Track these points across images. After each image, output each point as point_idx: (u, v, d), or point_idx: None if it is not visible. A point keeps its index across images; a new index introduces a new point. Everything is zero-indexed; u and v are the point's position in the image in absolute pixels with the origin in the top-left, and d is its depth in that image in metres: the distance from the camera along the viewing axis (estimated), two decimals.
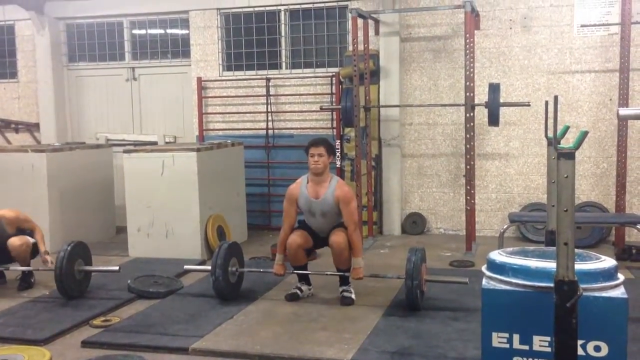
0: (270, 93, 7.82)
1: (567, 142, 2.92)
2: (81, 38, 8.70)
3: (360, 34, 6.84)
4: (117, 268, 5.18)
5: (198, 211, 6.29)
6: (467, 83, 6.31)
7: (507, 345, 2.74)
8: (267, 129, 7.84)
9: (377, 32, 7.33)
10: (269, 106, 7.81)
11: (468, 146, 6.38)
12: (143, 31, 8.50)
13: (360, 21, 6.85)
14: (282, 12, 7.86)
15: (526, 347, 2.71)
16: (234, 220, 6.95)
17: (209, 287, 5.26)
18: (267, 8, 7.85)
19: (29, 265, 5.31)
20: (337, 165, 7.34)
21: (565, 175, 2.46)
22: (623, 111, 4.54)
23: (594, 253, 2.92)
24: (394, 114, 7.34)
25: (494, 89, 6.26)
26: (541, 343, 2.69)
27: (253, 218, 7.72)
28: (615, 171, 6.59)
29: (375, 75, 7.27)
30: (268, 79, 7.80)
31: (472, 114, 6.32)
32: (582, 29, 6.82)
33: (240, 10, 7.96)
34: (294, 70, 7.88)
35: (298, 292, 4.91)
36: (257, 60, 7.99)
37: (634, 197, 6.82)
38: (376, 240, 7.08)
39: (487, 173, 7.25)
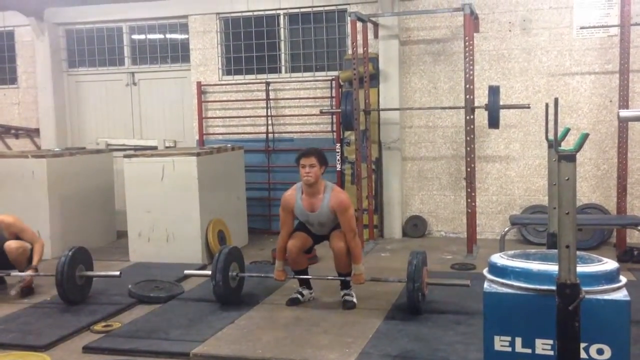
0: (270, 97, 7.83)
1: (567, 145, 2.92)
2: (81, 43, 8.70)
3: (359, 37, 6.85)
4: (118, 273, 5.18)
5: (198, 215, 6.28)
6: (467, 86, 6.30)
7: (510, 349, 2.73)
8: (267, 132, 7.84)
9: (376, 36, 7.33)
10: (268, 110, 7.81)
11: (468, 149, 6.38)
12: (142, 36, 8.51)
13: (359, 24, 6.85)
14: (282, 16, 7.87)
15: (529, 351, 2.70)
16: (234, 225, 6.94)
17: (209, 292, 5.25)
18: (267, 12, 7.86)
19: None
20: (338, 169, 7.33)
21: (566, 178, 2.46)
22: (623, 113, 4.54)
23: (595, 255, 2.91)
24: (394, 117, 7.34)
25: (494, 91, 6.26)
26: (544, 346, 2.68)
27: (253, 222, 7.71)
28: (616, 173, 6.58)
29: (375, 78, 7.27)
30: (268, 83, 7.80)
31: (472, 117, 6.32)
32: (582, 31, 6.83)
33: (239, 14, 7.96)
34: (293, 74, 7.88)
35: (299, 296, 4.90)
36: (257, 64, 8.00)
37: (635, 198, 6.81)
38: (377, 244, 7.07)
39: (487, 175, 7.25)
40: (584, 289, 2.48)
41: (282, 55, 7.93)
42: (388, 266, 6.07)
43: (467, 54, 6.29)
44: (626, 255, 6.00)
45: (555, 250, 2.56)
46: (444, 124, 7.36)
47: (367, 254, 6.58)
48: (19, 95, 8.90)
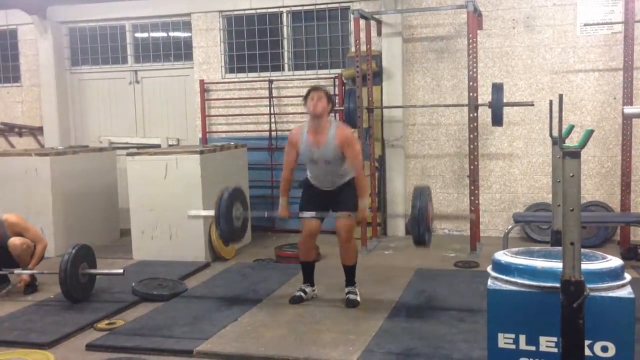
0: (273, 95, 7.82)
1: (571, 142, 2.91)
2: (84, 42, 8.71)
3: (362, 35, 6.83)
4: (121, 271, 5.18)
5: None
6: (471, 83, 6.29)
7: (514, 346, 2.72)
8: (270, 130, 7.83)
9: (379, 33, 7.32)
10: (271, 108, 7.81)
11: (472, 146, 6.36)
12: (145, 34, 8.51)
13: (362, 22, 6.84)
14: (284, 14, 7.86)
15: (533, 348, 2.69)
16: None
17: (213, 289, 5.27)
18: (269, 10, 7.85)
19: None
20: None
21: (571, 175, 2.45)
22: (628, 110, 4.53)
23: (600, 253, 2.90)
24: (397, 115, 7.33)
25: (498, 88, 6.24)
26: (548, 344, 2.67)
27: (257, 220, 7.70)
28: (620, 170, 6.56)
29: (378, 76, 7.26)
30: (271, 81, 7.80)
31: (475, 114, 6.30)
32: (586, 28, 6.80)
33: (242, 12, 7.96)
34: (296, 72, 7.88)
35: (302, 294, 4.90)
36: (260, 62, 7.99)
37: (638, 196, 6.80)
38: (380, 242, 7.06)
39: (491, 173, 7.23)
40: (589, 286, 2.47)
41: (285, 53, 7.93)
42: (391, 264, 6.07)
43: (470, 52, 6.27)
44: (630, 253, 5.99)
45: (559, 248, 2.55)
46: (447, 122, 7.34)
47: (370, 252, 6.58)
48: (22, 93, 8.91)
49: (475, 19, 6.43)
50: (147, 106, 8.51)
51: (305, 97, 4.77)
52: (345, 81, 7.47)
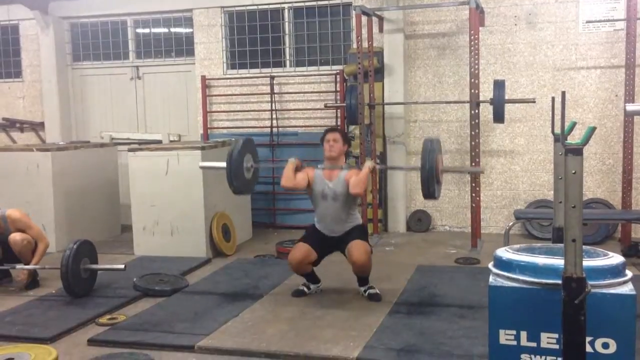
0: (275, 91, 7.82)
1: (572, 139, 2.91)
2: (85, 37, 8.71)
3: (364, 31, 6.83)
4: (122, 266, 5.18)
5: (203, 209, 6.28)
6: (472, 80, 6.29)
7: (515, 343, 2.72)
8: (271, 127, 7.83)
9: (381, 30, 7.31)
10: (273, 104, 7.80)
11: (473, 143, 6.36)
12: (147, 30, 8.50)
13: (364, 18, 6.83)
14: (286, 10, 7.86)
15: (534, 344, 2.70)
16: (238, 219, 6.95)
17: (214, 285, 5.28)
18: (271, 6, 7.84)
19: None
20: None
21: (573, 171, 2.45)
22: (630, 107, 4.54)
23: (601, 250, 2.90)
24: (399, 111, 7.32)
25: (499, 85, 6.24)
26: (549, 340, 2.67)
27: (258, 216, 7.72)
28: (621, 167, 6.56)
29: (379, 72, 7.25)
30: (272, 77, 7.80)
31: (477, 111, 6.30)
32: (588, 25, 6.80)
33: (244, 8, 7.95)
34: (298, 68, 7.88)
35: (305, 289, 4.91)
36: (261, 59, 7.99)
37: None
38: (381, 238, 7.07)
39: (492, 170, 7.23)
40: (590, 283, 2.47)
41: (287, 49, 7.92)
42: (392, 260, 6.07)
43: (472, 48, 6.27)
44: (631, 250, 5.99)
45: (561, 245, 2.56)
46: (448, 119, 7.34)
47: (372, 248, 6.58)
48: (24, 89, 8.91)
49: (477, 15, 6.43)
50: (148, 102, 8.51)
51: (322, 138, 4.84)
52: (346, 77, 7.47)
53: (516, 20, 7.04)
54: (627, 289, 2.64)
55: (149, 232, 6.45)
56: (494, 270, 2.86)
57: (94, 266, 5.15)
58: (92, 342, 4.08)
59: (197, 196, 6.27)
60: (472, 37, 6.26)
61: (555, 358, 2.66)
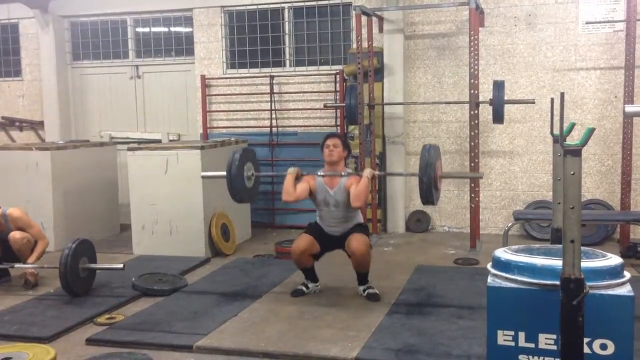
0: (274, 91, 7.82)
1: (571, 140, 2.91)
2: (85, 36, 8.71)
3: (364, 31, 6.83)
4: (121, 266, 5.18)
5: (202, 209, 6.28)
6: (472, 80, 6.29)
7: (513, 343, 2.73)
8: (271, 126, 7.83)
9: (381, 30, 7.31)
10: (272, 104, 7.80)
11: (472, 144, 6.36)
12: (147, 29, 8.50)
13: (364, 18, 6.83)
14: (286, 10, 7.86)
15: (532, 345, 2.70)
16: (238, 218, 6.95)
17: (213, 284, 5.28)
18: (271, 5, 7.84)
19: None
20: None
21: (572, 172, 2.45)
22: (629, 108, 4.53)
23: (600, 251, 2.91)
24: (398, 112, 7.32)
25: (499, 86, 6.24)
26: (547, 341, 2.68)
27: (257, 216, 7.72)
28: (620, 169, 6.56)
29: (379, 72, 7.25)
30: (272, 77, 7.79)
31: (476, 112, 6.30)
32: (587, 26, 6.80)
33: (244, 7, 7.95)
34: (297, 68, 7.88)
35: (304, 288, 4.91)
36: (261, 58, 7.99)
37: (639, 194, 6.80)
38: (380, 238, 7.07)
39: (491, 171, 7.24)
40: (588, 284, 2.48)
41: (287, 49, 7.92)
42: (391, 260, 6.07)
43: (472, 49, 6.27)
44: (630, 251, 5.99)
45: (559, 246, 2.56)
46: (448, 119, 7.34)
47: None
48: (24, 87, 8.91)
49: (477, 16, 6.43)
50: (148, 101, 8.51)
51: (322, 144, 4.86)
52: (346, 77, 7.47)
53: (516, 21, 7.04)
54: (626, 290, 2.64)
55: (148, 232, 6.44)
56: (493, 270, 2.86)
57: (93, 265, 5.14)
58: (90, 341, 4.08)
59: (196, 196, 6.27)
60: (472, 38, 6.27)
61: (553, 359, 2.66)
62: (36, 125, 8.82)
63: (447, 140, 7.36)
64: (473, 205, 6.46)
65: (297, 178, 4.84)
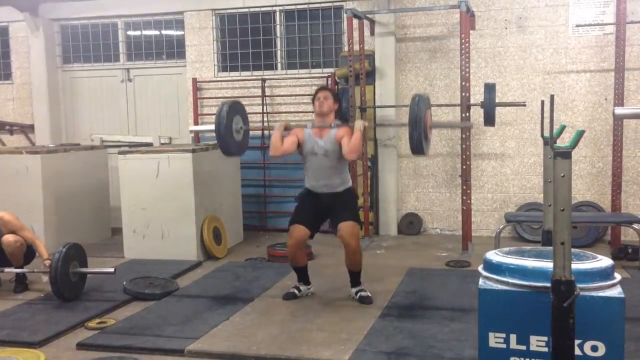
0: (266, 94, 7.81)
1: (562, 142, 2.92)
2: (76, 39, 8.67)
3: (355, 34, 6.84)
4: (112, 270, 5.16)
5: (194, 212, 6.26)
6: (463, 83, 6.31)
7: (504, 346, 2.73)
8: (262, 129, 7.81)
9: (372, 33, 7.32)
10: (264, 107, 7.79)
11: (464, 146, 6.38)
12: (138, 32, 8.48)
13: (355, 21, 6.84)
14: (277, 13, 7.85)
15: (523, 347, 2.70)
16: (229, 222, 6.93)
17: (205, 288, 5.26)
18: (262, 9, 7.84)
19: (22, 265, 5.29)
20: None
21: (562, 175, 2.46)
22: (619, 110, 4.56)
23: (590, 252, 2.92)
24: (390, 114, 7.33)
25: (490, 89, 6.26)
26: (538, 343, 2.68)
27: (249, 219, 7.70)
28: (610, 170, 6.60)
29: (370, 75, 7.26)
30: (263, 80, 7.79)
31: (468, 114, 6.32)
32: (577, 29, 6.83)
33: (235, 11, 7.94)
34: (289, 71, 7.87)
35: (296, 291, 4.90)
36: (253, 61, 7.98)
37: (629, 196, 6.83)
38: (372, 241, 7.07)
39: (483, 173, 7.25)
40: (579, 285, 2.48)
41: (278, 52, 7.92)
42: (384, 263, 6.07)
43: (463, 52, 6.29)
44: (620, 253, 6.02)
45: (550, 248, 2.56)
46: None
47: (363, 251, 6.55)
48: (14, 91, 8.86)
49: (468, 19, 6.45)
50: (139, 104, 8.48)
51: (313, 97, 4.86)
52: (338, 80, 7.46)
53: (507, 24, 7.07)
54: (616, 291, 2.65)
55: (140, 235, 6.42)
56: (484, 273, 2.86)
57: (84, 270, 5.11)
58: (81, 346, 4.05)
59: (188, 199, 6.25)
60: (463, 41, 6.29)
61: None
62: (26, 129, 8.76)
63: (439, 142, 7.37)
64: (465, 208, 6.47)
65: (286, 129, 4.82)
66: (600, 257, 2.81)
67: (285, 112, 7.81)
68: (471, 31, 6.70)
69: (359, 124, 4.69)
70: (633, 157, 6.83)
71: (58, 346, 4.10)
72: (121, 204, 6.53)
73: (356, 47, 6.87)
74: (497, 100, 6.36)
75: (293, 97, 7.78)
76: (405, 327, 4.19)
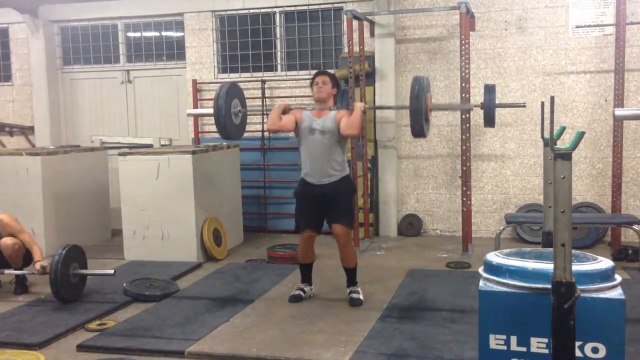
0: (266, 95, 7.81)
1: (562, 143, 2.92)
2: (76, 41, 8.67)
3: (355, 35, 6.84)
4: (112, 271, 5.16)
5: (194, 214, 6.26)
6: (463, 84, 6.31)
7: (505, 347, 2.72)
8: (262, 131, 7.82)
9: (372, 34, 7.32)
10: (264, 108, 7.79)
11: (464, 147, 6.38)
12: (138, 34, 8.48)
13: (355, 23, 6.84)
14: (277, 14, 7.86)
15: (524, 349, 2.70)
16: (229, 223, 6.93)
17: (205, 290, 5.26)
18: (262, 10, 7.84)
19: (21, 267, 5.28)
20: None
21: (562, 176, 2.46)
22: (619, 111, 4.55)
23: (590, 254, 2.91)
24: (390, 116, 7.33)
25: (490, 90, 6.21)
26: (539, 345, 2.67)
27: (249, 220, 7.70)
28: (610, 172, 6.60)
29: (370, 76, 7.26)
30: (263, 81, 7.79)
31: (467, 115, 6.32)
32: (577, 30, 6.83)
33: (235, 12, 7.95)
34: (289, 72, 7.87)
35: (301, 293, 4.91)
36: (253, 63, 7.98)
37: (629, 197, 6.83)
38: (372, 242, 7.07)
39: (483, 174, 7.25)
40: (579, 287, 2.48)
41: (278, 54, 7.92)
42: (384, 264, 6.07)
43: (463, 53, 6.29)
44: (621, 254, 6.02)
45: (551, 249, 2.56)
46: (439, 123, 7.35)
47: (363, 253, 6.58)
48: (14, 92, 8.86)
49: (468, 20, 6.45)
50: (139, 106, 8.48)
51: (311, 81, 4.83)
52: None
53: (506, 25, 7.07)
54: (617, 293, 2.64)
55: (140, 237, 6.41)
56: (484, 274, 2.86)
57: (84, 271, 5.11)
58: (81, 347, 4.05)
59: (188, 200, 6.25)
60: (463, 42, 6.29)
61: None
62: (26, 130, 8.77)
63: (439, 143, 7.37)
64: (465, 209, 6.47)
65: (285, 112, 4.82)
66: (600, 258, 2.81)
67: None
68: (471, 32, 6.70)
69: (359, 104, 4.73)
70: (633, 158, 6.83)
71: (58, 348, 4.10)
72: (121, 206, 6.53)
73: (356, 49, 6.87)
74: (497, 102, 6.34)
75: (293, 98, 7.77)
76: (405, 328, 4.19)
